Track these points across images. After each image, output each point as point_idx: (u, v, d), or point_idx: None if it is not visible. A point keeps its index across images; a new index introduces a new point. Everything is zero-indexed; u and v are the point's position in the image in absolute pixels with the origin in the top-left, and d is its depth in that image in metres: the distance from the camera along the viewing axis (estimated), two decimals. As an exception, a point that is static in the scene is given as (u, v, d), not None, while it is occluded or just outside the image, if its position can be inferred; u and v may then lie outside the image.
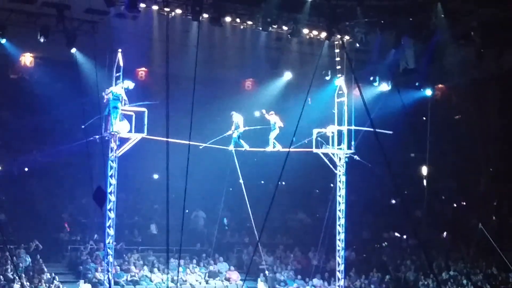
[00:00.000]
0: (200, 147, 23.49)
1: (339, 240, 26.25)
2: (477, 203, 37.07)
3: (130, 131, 22.47)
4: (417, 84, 32.79)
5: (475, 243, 32.89)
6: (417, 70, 30.59)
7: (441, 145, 35.07)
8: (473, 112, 35.97)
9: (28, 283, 24.70)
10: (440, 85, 35.19)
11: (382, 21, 27.41)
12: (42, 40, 24.48)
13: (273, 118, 25.32)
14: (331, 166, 26.36)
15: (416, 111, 33.27)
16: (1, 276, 24.75)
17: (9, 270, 25.25)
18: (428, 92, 33.83)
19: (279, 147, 25.10)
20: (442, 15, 26.94)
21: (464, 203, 38.42)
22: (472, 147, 36.37)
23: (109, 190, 22.01)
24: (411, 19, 27.60)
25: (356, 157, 26.12)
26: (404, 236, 35.71)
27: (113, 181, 22.31)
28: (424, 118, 34.65)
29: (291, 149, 16.48)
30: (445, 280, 31.17)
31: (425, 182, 34.70)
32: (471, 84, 34.04)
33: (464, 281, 31.53)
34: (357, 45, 27.91)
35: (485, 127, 36.29)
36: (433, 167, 34.85)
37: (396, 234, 35.79)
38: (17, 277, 24.83)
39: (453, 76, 33.15)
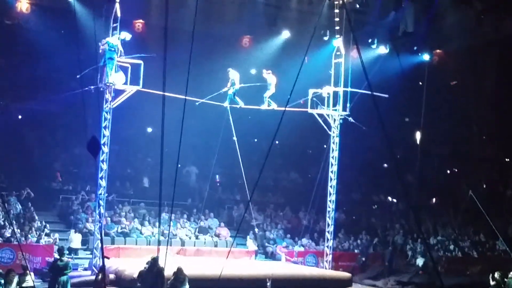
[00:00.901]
0: (197, 103, 23.40)
1: (330, 201, 26.37)
2: (469, 169, 37.26)
3: (125, 83, 22.36)
4: (415, 48, 32.62)
5: (464, 210, 33.15)
6: (416, 33, 30.43)
7: (436, 111, 35.08)
8: (469, 78, 35.92)
9: (18, 230, 24.80)
10: (438, 50, 35.03)
11: (384, -18, 27.20)
12: (39, -14, 24.19)
13: (270, 78, 25.18)
14: (325, 127, 26.35)
15: (413, 76, 33.19)
16: (-8, 222, 24.87)
17: (0, 216, 25.34)
18: (426, 56, 33.69)
19: (274, 106, 25.04)
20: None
21: (456, 170, 38.60)
22: (467, 114, 36.42)
23: (102, 142, 21.97)
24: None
25: (350, 119, 26.09)
26: (394, 200, 35.92)
27: (107, 132, 22.27)
28: (421, 83, 34.58)
29: (286, 109, 16.37)
30: (432, 245, 31.49)
31: (418, 147, 34.75)
32: (469, 50, 33.94)
33: (451, 247, 31.87)
34: (357, 5, 27.70)
35: (481, 94, 36.29)
36: (427, 132, 34.86)
37: (389, 198, 35.98)
38: (7, 224, 24.92)
39: (452, 41, 32.99)
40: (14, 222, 25.14)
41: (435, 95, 34.30)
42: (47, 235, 25.35)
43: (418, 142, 34.76)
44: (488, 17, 28.62)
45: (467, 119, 36.78)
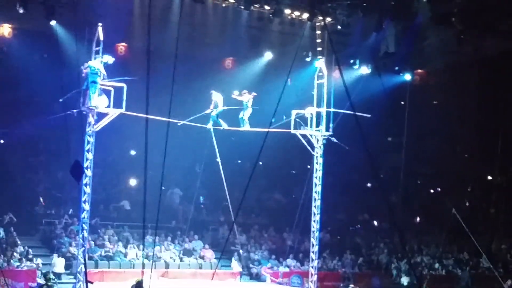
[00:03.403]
0: (178, 124, 23.37)
1: (314, 221, 26.35)
2: (452, 188, 37.44)
3: (108, 106, 22.29)
4: (396, 68, 32.88)
5: (448, 228, 33.27)
6: (397, 54, 30.71)
7: (419, 130, 35.30)
8: (451, 97, 36.19)
9: (1, 255, 24.58)
10: (419, 70, 35.35)
11: (365, 4, 27.41)
12: (21, 11, 24.14)
13: (246, 98, 25.14)
14: (308, 148, 26.39)
15: (395, 95, 33.41)
16: (-26, 248, 24.65)
17: (-18, 242, 25.15)
18: (407, 76, 33.98)
19: (247, 127, 25.00)
20: (424, -1, 27.04)
21: (439, 189, 38.77)
22: (449, 133, 36.66)
23: (85, 165, 21.86)
24: (393, 2, 27.63)
25: (333, 139, 26.15)
26: (375, 223, 35.96)
27: (90, 156, 22.17)
28: (403, 103, 34.84)
29: (269, 130, 16.45)
30: (417, 263, 31.55)
31: (402, 166, 34.95)
32: (449, 69, 34.27)
33: (436, 265, 31.94)
34: (339, 27, 27.93)
35: (463, 113, 36.58)
36: (410, 151, 35.11)
37: (372, 221, 36.04)
38: (-10, 249, 24.74)
39: (433, 61, 33.30)
40: (-4, 248, 24.94)
41: (417, 114, 34.56)
42: (30, 260, 25.13)
43: (401, 161, 34.97)
44: (468, 37, 28.90)
45: (450, 138, 37.01)
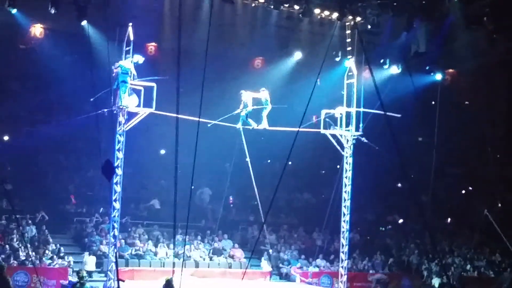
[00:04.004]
0: (209, 125, 23.44)
1: (344, 221, 26.23)
2: (483, 189, 37.03)
3: (138, 106, 22.43)
4: (427, 68, 32.62)
5: (479, 229, 32.93)
6: (428, 53, 30.45)
7: (449, 130, 34.96)
8: (482, 98, 35.82)
9: (33, 253, 24.86)
10: (450, 70, 35.02)
11: (395, 3, 27.23)
12: (52, 11, 24.39)
13: (264, 95, 25.02)
14: (338, 148, 26.30)
15: (425, 95, 33.13)
16: (7, 245, 24.96)
17: (15, 239, 25.44)
18: (438, 76, 33.67)
19: (264, 124, 24.90)
20: (455, -1, 26.80)
21: (471, 189, 38.38)
22: (480, 133, 36.25)
23: (116, 164, 22.01)
24: (424, 1, 27.41)
25: (363, 139, 26.01)
26: (400, 220, 35.69)
27: (120, 155, 22.32)
28: (433, 103, 34.53)
29: (299, 129, 16.39)
30: (448, 265, 31.26)
31: (432, 166, 34.60)
32: (481, 69, 33.87)
33: (468, 266, 31.63)
34: (369, 26, 27.78)
35: (494, 113, 36.18)
36: (440, 152, 34.74)
37: (400, 220, 35.80)
38: (22, 247, 25.02)
39: (464, 60, 32.95)
40: (29, 245, 25.23)
41: (448, 114, 34.21)
42: (61, 258, 25.41)
43: (432, 161, 34.65)
44: (499, 37, 28.59)
45: (481, 139, 36.58)
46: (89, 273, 25.47)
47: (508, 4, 27.38)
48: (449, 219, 36.74)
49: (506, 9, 27.45)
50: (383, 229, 35.45)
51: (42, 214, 27.24)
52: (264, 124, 24.81)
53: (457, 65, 34.53)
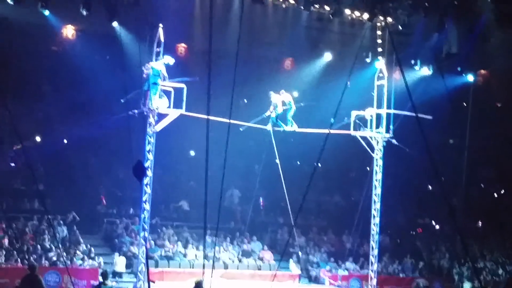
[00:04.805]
0: (241, 129, 23.42)
1: (374, 224, 26.05)
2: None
3: (168, 107, 22.48)
4: (459, 69, 32.26)
5: (511, 233, 32.52)
6: (459, 54, 30.13)
7: (481, 132, 34.55)
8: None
9: (64, 254, 25.04)
10: (482, 71, 34.59)
11: (426, 3, 26.99)
12: (84, 12, 24.58)
13: (286, 97, 24.89)
14: (368, 150, 26.11)
15: (457, 97, 32.80)
16: (38, 245, 25.17)
17: (46, 239, 25.65)
18: (470, 77, 33.29)
19: (295, 127, 24.86)
20: (488, -1, 26.49)
21: (503, 192, 37.88)
22: (512, 135, 35.78)
23: (146, 165, 22.06)
24: (455, 1, 27.13)
25: (394, 141, 25.81)
26: (437, 226, 35.33)
27: (151, 156, 22.38)
28: (465, 104, 34.18)
29: (330, 131, 16.30)
30: (480, 269, 30.87)
31: (464, 169, 34.25)
32: (514, 70, 33.41)
33: (500, 271, 31.21)
34: (400, 27, 27.59)
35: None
36: (472, 154, 34.37)
37: (432, 222, 35.43)
38: (53, 247, 25.22)
39: (496, 61, 32.55)
40: (60, 246, 25.42)
41: (480, 116, 33.84)
42: (92, 258, 25.56)
43: (463, 164, 34.28)
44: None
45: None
46: (119, 274, 25.66)
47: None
48: (480, 223, 36.30)
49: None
50: (413, 231, 35.12)
51: (73, 215, 27.42)
52: (294, 126, 24.75)
53: (490, 66, 34.10)
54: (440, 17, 27.65)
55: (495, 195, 38.15)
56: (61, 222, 26.89)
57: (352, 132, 25.86)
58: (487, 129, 35.21)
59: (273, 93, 24.68)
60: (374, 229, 26.09)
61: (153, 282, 20.67)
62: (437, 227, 35.25)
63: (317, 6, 26.62)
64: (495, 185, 38.02)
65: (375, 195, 26.07)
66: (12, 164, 29.87)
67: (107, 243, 28.30)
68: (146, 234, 22.40)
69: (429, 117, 23.98)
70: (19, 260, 24.10)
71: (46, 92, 31.20)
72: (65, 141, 31.84)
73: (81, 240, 26.55)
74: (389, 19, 27.19)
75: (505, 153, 36.24)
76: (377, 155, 26.08)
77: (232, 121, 14.12)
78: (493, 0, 27.00)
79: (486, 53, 31.67)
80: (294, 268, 28.80)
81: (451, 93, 30.35)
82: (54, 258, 24.63)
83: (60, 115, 30.94)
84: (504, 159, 36.34)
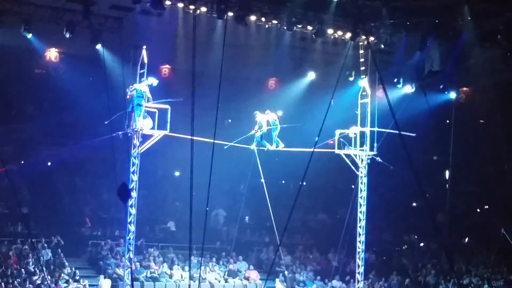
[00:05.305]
0: (225, 147, 23.45)
1: (360, 242, 26.11)
2: (500, 207, 36.72)
3: (152, 128, 22.51)
4: (441, 86, 32.48)
5: (497, 248, 32.61)
6: (442, 72, 30.35)
7: (465, 149, 34.75)
8: (497, 116, 35.60)
9: (49, 277, 24.86)
10: (464, 88, 34.89)
11: (408, 22, 27.23)
12: (67, 35, 24.56)
13: (271, 117, 24.99)
14: (353, 168, 26.23)
15: (440, 114, 32.96)
16: (23, 269, 24.96)
17: (30, 263, 25.45)
18: (453, 95, 33.53)
19: (281, 146, 24.94)
20: (469, 17, 26.70)
21: (487, 207, 38.06)
22: (496, 151, 36.02)
23: (131, 186, 22.04)
24: (437, 20, 27.39)
25: (378, 158, 25.96)
26: (421, 244, 35.40)
27: (135, 177, 22.37)
28: (448, 121, 34.38)
29: (314, 150, 16.37)
30: (465, 285, 30.92)
31: (448, 185, 34.39)
32: (496, 87, 33.68)
33: (485, 287, 31.26)
34: (382, 46, 27.76)
35: (509, 131, 35.91)
36: (456, 170, 34.54)
37: (419, 241, 35.49)
38: (38, 271, 25.02)
39: (478, 78, 32.82)
40: (45, 269, 25.22)
41: (463, 133, 34.05)
42: (77, 281, 25.37)
43: (447, 180, 34.43)
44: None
45: (497, 157, 36.35)
46: (105, 296, 25.48)
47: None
48: (466, 238, 36.42)
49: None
50: (399, 248, 35.17)
51: (57, 239, 27.20)
52: (281, 145, 24.83)
53: (472, 84, 34.38)
54: (422, 35, 27.85)
55: (478, 210, 38.33)
56: (45, 245, 26.68)
57: (336, 150, 25.97)
58: (470, 146, 35.46)
59: (258, 112, 24.77)
60: (360, 246, 26.15)
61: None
62: (421, 244, 35.29)
63: (299, 26, 26.75)
64: (479, 200, 38.20)
65: (361, 212, 26.16)
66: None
67: (92, 265, 28.12)
68: (132, 256, 22.30)
69: (413, 134, 24.14)
70: (2, 284, 23.88)
71: (30, 114, 31.13)
72: (49, 163, 31.72)
73: (66, 263, 26.36)
74: (372, 38, 27.35)
75: (489, 169, 36.52)
76: (362, 173, 26.20)
77: (216, 141, 14.18)
78: (475, 18, 27.24)
79: (468, 70, 31.91)
80: (280, 287, 28.72)
81: (434, 110, 30.54)
82: (39, 282, 24.42)
83: (44, 137, 30.85)
84: (487, 175, 36.58)
